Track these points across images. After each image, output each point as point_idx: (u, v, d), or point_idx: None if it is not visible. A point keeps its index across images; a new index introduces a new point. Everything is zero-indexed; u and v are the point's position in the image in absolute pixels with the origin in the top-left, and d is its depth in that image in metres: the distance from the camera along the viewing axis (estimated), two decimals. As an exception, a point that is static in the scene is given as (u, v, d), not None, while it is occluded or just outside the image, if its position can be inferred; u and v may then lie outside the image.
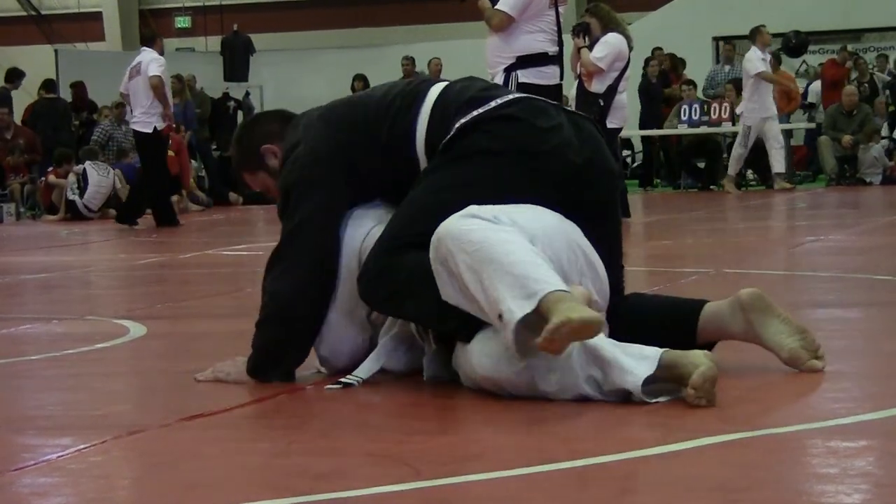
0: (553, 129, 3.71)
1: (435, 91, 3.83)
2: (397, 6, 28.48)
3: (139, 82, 14.28)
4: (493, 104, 3.74)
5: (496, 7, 8.90)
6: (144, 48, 14.74)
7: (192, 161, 20.53)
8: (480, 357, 3.47)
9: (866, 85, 20.76)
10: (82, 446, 3.18)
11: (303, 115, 4.02)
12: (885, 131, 19.80)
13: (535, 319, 3.29)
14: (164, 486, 2.83)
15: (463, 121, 3.71)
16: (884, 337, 4.68)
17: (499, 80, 8.74)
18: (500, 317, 3.32)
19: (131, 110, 14.93)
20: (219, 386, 4.02)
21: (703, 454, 2.90)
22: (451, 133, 3.71)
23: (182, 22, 29.56)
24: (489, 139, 3.68)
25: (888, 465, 2.81)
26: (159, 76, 14.16)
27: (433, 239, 3.49)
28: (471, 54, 21.95)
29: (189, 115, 20.70)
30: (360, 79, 22.05)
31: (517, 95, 3.85)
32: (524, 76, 8.85)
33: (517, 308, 3.29)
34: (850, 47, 21.93)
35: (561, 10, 9.18)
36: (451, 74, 19.57)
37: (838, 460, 2.80)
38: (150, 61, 14.31)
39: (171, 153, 17.63)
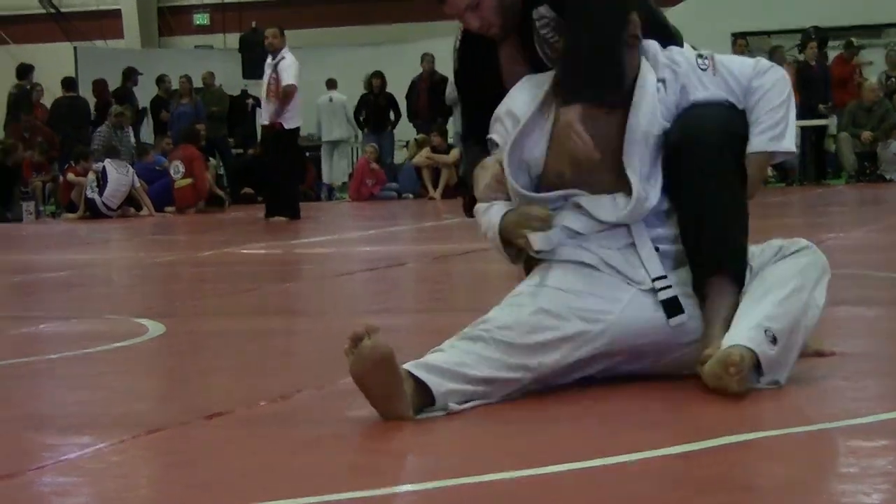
0: None
1: None
2: (415, 2, 28.48)
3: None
4: None
5: None
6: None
7: (211, 159, 20.58)
8: None
9: (894, 79, 20.61)
10: (101, 445, 3.19)
11: None
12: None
13: None
14: (182, 486, 2.84)
15: None
16: (904, 335, 4.66)
17: None
18: None
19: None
20: (238, 384, 4.02)
21: (720, 453, 2.89)
22: None
23: (200, 19, 29.59)
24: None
25: (909, 464, 2.80)
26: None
27: None
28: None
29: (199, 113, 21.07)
30: (378, 76, 22.07)
31: None
32: None
33: None
34: (857, 42, 21.72)
35: None
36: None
37: (858, 459, 2.79)
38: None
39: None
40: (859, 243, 8.73)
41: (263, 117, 15.23)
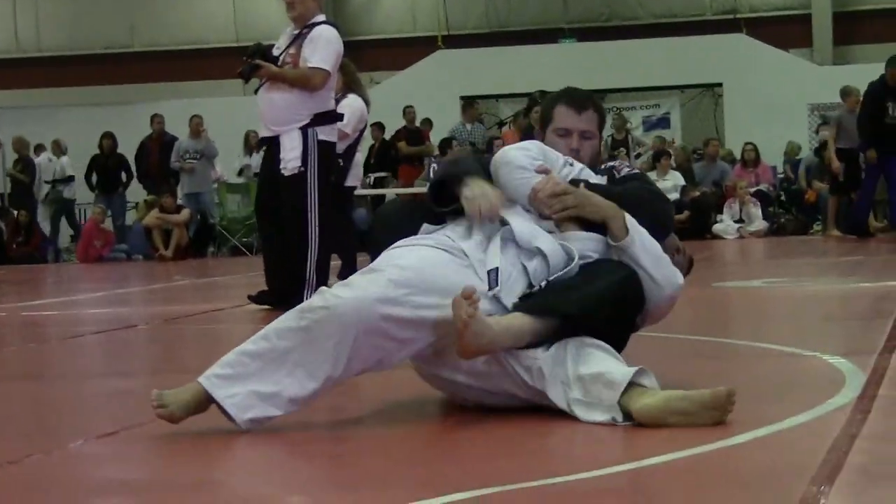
0: None
1: None
2: (145, 64, 28.19)
3: None
4: None
5: (313, 66, 8.67)
6: None
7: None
8: None
9: (620, 143, 21.38)
10: None
11: None
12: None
13: None
14: None
15: None
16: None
17: (290, 138, 8.62)
18: None
19: None
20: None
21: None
22: None
23: (-86, 76, 28.70)
24: None
25: None
26: None
27: None
28: (222, 112, 21.92)
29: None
30: (109, 136, 21.72)
31: None
32: (322, 134, 8.69)
33: None
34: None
35: None
36: (210, 132, 18.96)
37: None
38: None
39: None
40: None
41: None
